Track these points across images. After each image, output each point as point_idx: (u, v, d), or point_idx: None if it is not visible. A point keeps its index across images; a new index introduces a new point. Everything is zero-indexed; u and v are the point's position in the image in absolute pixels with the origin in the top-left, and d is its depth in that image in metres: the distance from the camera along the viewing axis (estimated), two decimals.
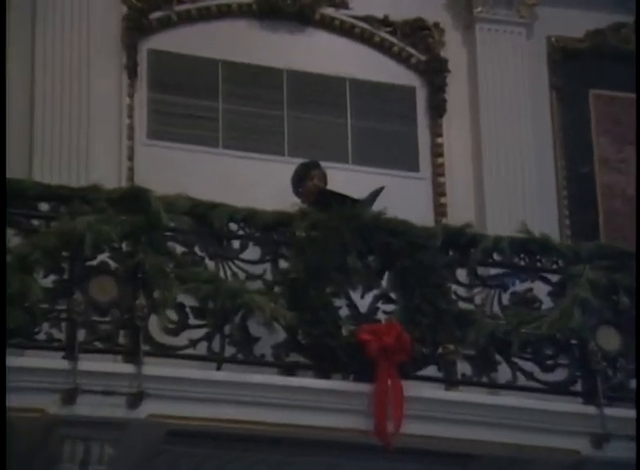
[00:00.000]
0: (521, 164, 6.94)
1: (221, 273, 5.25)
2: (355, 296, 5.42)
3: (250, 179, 6.55)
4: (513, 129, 6.97)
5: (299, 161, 6.39)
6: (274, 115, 6.76)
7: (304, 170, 6.21)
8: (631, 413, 5.44)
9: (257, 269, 5.35)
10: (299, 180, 6.22)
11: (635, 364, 5.49)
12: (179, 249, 5.23)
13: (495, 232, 6.03)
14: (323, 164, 6.40)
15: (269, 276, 5.33)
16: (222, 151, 6.63)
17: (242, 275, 5.28)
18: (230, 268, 5.28)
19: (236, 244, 5.35)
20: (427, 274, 5.43)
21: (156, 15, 6.70)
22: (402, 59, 7.08)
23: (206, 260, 5.26)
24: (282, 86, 6.80)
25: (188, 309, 5.15)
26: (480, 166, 6.91)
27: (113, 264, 5.12)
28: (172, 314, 5.12)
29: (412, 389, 5.24)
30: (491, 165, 6.89)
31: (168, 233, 5.22)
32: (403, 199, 6.52)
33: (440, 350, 5.48)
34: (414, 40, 7.11)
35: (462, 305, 5.53)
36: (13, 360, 4.79)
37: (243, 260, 5.31)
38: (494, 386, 5.58)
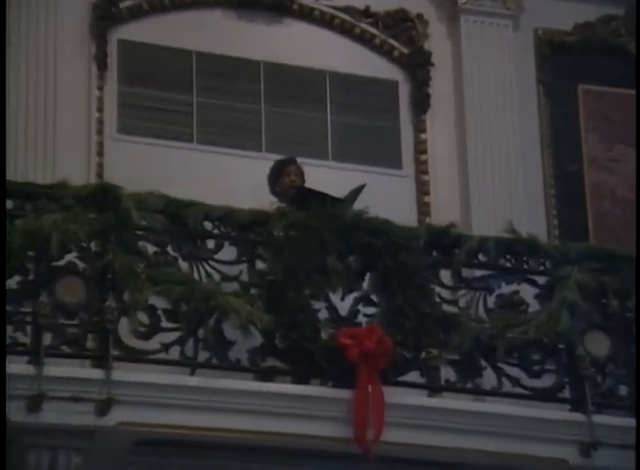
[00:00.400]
0: (507, 162, 6.96)
1: (195, 274, 5.23)
2: (335, 298, 5.41)
3: (225, 176, 6.52)
4: (499, 125, 6.99)
5: (277, 157, 6.38)
6: (251, 109, 6.74)
7: (280, 167, 6.21)
8: (620, 421, 5.46)
9: (233, 270, 5.33)
10: (276, 178, 6.21)
11: (635, 371, 5.50)
12: (151, 249, 5.21)
13: (481, 232, 6.03)
14: (302, 160, 6.39)
15: (245, 277, 5.32)
16: (196, 146, 6.61)
17: (217, 276, 5.26)
18: (204, 269, 5.26)
19: (211, 244, 5.33)
20: (409, 276, 5.43)
21: (126, 3, 6.67)
22: (384, 51, 7.08)
23: (180, 261, 5.24)
24: (259, 79, 6.79)
25: (160, 312, 5.13)
26: (465, 164, 6.92)
27: (80, 265, 5.09)
28: (143, 317, 5.10)
29: (394, 395, 5.24)
30: (477, 163, 6.91)
31: (139, 232, 5.19)
32: (385, 197, 6.52)
33: (423, 354, 5.47)
34: (396, 32, 7.11)
35: (446, 307, 5.53)
36: None
37: (218, 261, 5.29)
38: (479, 392, 5.58)
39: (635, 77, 7.07)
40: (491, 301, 5.65)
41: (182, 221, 5.29)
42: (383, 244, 5.44)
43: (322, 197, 5.58)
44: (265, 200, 6.05)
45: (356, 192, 5.89)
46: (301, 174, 6.23)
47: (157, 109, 6.58)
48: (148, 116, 6.56)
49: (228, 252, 5.35)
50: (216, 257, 5.30)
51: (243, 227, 5.37)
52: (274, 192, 6.21)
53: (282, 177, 6.16)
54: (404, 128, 7.01)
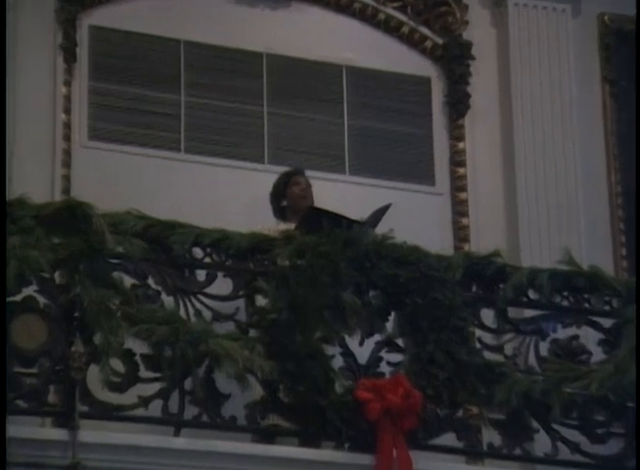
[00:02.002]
0: (564, 178, 6.99)
1: (182, 312, 5.27)
2: (352, 342, 5.45)
3: (219, 193, 6.58)
4: (554, 133, 7.03)
5: (282, 170, 6.44)
6: (251, 111, 6.80)
7: (286, 180, 6.26)
8: None
9: (228, 307, 5.37)
10: (280, 195, 6.27)
11: (636, 377, 5.51)
12: (128, 280, 5.25)
13: (531, 263, 6.08)
14: (313, 174, 6.45)
15: (243, 316, 5.36)
16: (184, 156, 6.67)
17: (208, 315, 5.31)
18: (193, 306, 5.31)
19: (201, 275, 5.37)
20: (443, 316, 5.47)
21: None
22: (414, 42, 7.15)
23: (163, 296, 5.29)
24: (261, 74, 6.85)
25: (138, 358, 5.17)
26: (513, 179, 6.96)
27: (41, 300, 5.14)
28: (118, 365, 5.14)
29: (424, 461, 5.28)
30: (526, 178, 6.94)
31: (114, 260, 5.24)
32: (414, 219, 6.58)
33: (460, 412, 5.51)
34: (429, 19, 7.18)
35: (488, 355, 5.56)
36: None
37: (209, 296, 5.33)
38: (530, 459, 5.63)
39: (635, 77, 7.09)
40: (544, 347, 5.67)
41: (166, 247, 5.34)
42: (411, 276, 5.48)
43: (337, 219, 5.62)
44: (267, 221, 6.10)
45: (379, 213, 5.94)
46: (310, 191, 6.28)
47: (136, 110, 6.64)
48: (125, 118, 6.62)
49: (222, 284, 5.39)
50: (208, 290, 5.34)
51: (240, 255, 5.41)
52: (279, 211, 6.27)
53: (289, 187, 6.23)
54: (438, 135, 7.06)
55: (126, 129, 6.59)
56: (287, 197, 6.24)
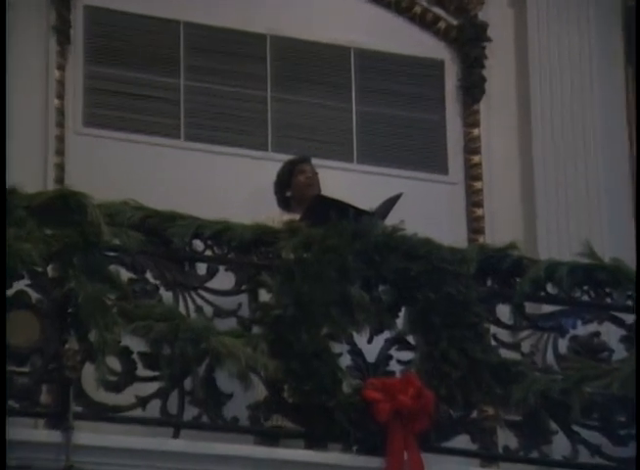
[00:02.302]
0: (585, 166, 6.98)
1: (181, 308, 5.27)
2: (361, 340, 5.44)
3: (221, 182, 6.57)
4: (574, 118, 7.02)
5: (287, 158, 6.44)
6: (254, 95, 6.79)
7: (291, 168, 6.26)
8: None
9: (230, 303, 5.37)
10: (285, 184, 6.27)
11: (635, 377, 5.51)
12: (125, 274, 5.25)
13: (549, 256, 6.06)
14: (319, 162, 6.44)
15: (245, 312, 5.36)
16: (184, 143, 6.67)
17: (209, 311, 5.31)
18: (193, 301, 5.31)
19: (202, 268, 5.37)
20: (456, 311, 5.46)
21: None
22: (427, 23, 7.14)
23: (162, 290, 5.29)
24: (265, 57, 6.84)
25: (136, 356, 5.17)
26: (530, 168, 6.95)
27: (34, 295, 5.14)
28: (114, 363, 5.14)
29: (436, 464, 5.27)
30: (545, 167, 6.93)
31: (110, 253, 5.24)
32: (427, 210, 6.57)
33: (475, 413, 5.50)
34: None
35: (504, 353, 5.56)
36: None
37: (210, 291, 5.33)
38: (548, 463, 5.59)
39: (635, 76, 7.08)
40: (563, 345, 5.67)
41: (165, 239, 5.33)
42: (422, 270, 5.47)
43: (345, 208, 5.62)
44: (271, 212, 6.10)
45: (389, 204, 5.94)
46: (317, 180, 6.28)
47: (133, 95, 6.63)
48: (122, 104, 6.61)
49: (224, 279, 5.39)
50: (208, 285, 5.34)
51: (242, 247, 5.40)
52: (283, 201, 6.26)
53: (295, 176, 6.23)
54: (451, 122, 7.05)
55: (123, 115, 6.59)
56: (292, 186, 6.24)
